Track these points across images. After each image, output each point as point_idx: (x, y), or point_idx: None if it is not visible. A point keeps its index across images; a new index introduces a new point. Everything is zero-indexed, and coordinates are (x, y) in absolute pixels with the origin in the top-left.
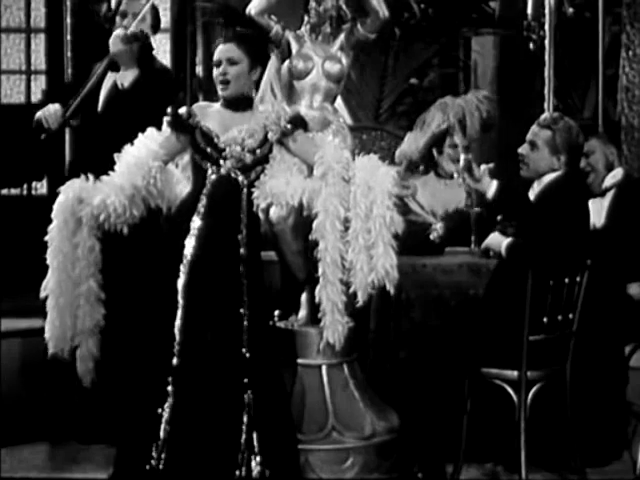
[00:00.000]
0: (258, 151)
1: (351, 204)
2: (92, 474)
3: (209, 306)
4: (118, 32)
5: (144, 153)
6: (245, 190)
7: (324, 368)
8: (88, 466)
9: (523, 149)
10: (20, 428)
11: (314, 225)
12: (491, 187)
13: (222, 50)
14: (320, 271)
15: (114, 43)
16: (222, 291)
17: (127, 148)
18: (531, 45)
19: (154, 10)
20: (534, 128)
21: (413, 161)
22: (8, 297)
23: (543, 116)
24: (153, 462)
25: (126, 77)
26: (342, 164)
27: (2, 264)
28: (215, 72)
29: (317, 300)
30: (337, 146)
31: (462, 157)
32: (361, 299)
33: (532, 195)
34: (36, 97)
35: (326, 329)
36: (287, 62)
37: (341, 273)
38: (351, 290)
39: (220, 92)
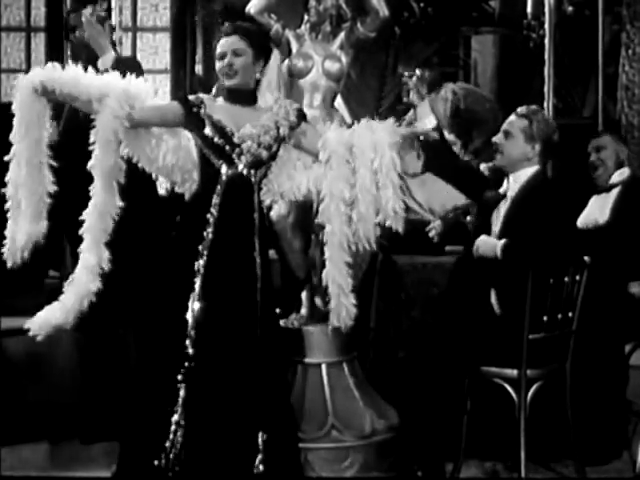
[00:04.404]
0: (274, 148)
1: (358, 157)
2: (93, 472)
3: (225, 310)
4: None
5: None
6: (256, 188)
7: (324, 367)
8: (89, 465)
9: (498, 138)
10: (20, 427)
11: (320, 209)
12: (428, 123)
13: (226, 42)
14: (327, 254)
15: None
16: (238, 294)
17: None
18: (531, 44)
19: None
20: (511, 118)
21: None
22: (8, 295)
23: (521, 108)
24: (162, 460)
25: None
26: (345, 146)
27: (1, 261)
28: (219, 65)
29: (324, 283)
30: (339, 129)
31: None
32: (368, 247)
33: (507, 190)
34: None
35: (332, 312)
36: (287, 61)
37: (347, 256)
38: (354, 239)
39: (226, 83)
